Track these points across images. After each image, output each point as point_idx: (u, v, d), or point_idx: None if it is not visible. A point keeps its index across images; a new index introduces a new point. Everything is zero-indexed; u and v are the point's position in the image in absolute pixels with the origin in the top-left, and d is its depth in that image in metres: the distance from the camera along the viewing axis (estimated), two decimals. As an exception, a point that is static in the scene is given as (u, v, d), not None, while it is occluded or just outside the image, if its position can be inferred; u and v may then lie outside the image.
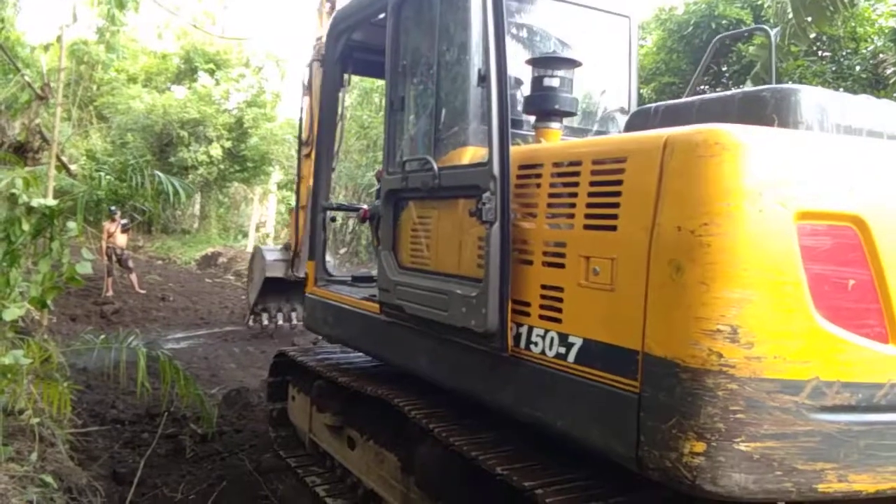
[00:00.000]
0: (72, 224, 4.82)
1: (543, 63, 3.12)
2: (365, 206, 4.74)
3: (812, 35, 11.20)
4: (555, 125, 3.15)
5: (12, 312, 4.11)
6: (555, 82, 3.03)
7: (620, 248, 2.30)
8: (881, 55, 11.70)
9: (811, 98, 2.43)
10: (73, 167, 11.46)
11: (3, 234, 4.23)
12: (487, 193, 2.70)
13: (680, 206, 2.13)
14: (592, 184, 2.45)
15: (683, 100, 2.96)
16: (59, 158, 7.50)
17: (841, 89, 11.10)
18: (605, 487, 2.54)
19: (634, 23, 4.23)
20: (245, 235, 27.72)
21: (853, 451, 2.10)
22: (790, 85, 2.49)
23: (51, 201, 4.53)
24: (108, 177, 7.50)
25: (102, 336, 5.62)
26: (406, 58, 3.64)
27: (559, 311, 2.54)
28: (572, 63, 3.11)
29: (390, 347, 3.78)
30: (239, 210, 30.77)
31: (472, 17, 3.13)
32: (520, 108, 3.40)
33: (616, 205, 2.33)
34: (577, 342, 2.45)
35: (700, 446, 2.04)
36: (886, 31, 11.71)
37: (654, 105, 2.99)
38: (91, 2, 10.72)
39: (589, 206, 2.45)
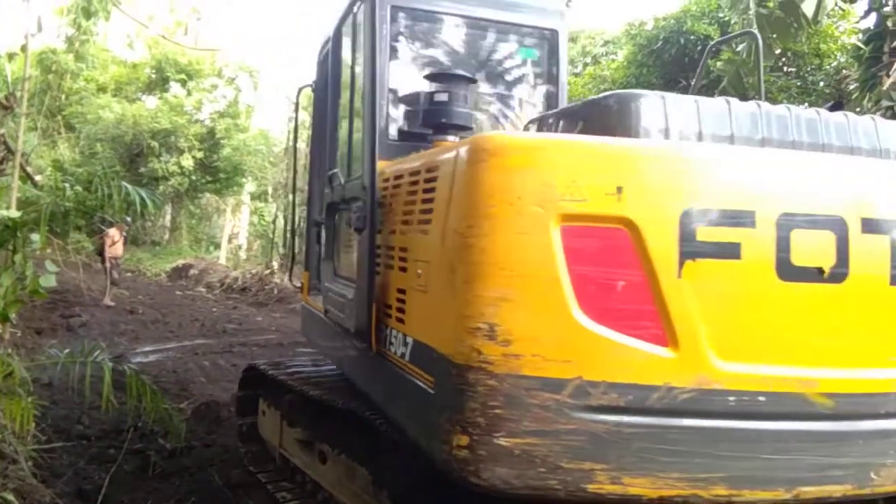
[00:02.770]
0: (35, 236, 4.72)
1: (435, 79, 3.25)
2: None
3: (777, 51, 11.49)
4: (450, 138, 3.25)
5: (-27, 326, 4.01)
6: (444, 97, 3.13)
7: (431, 252, 2.43)
8: (844, 71, 12.04)
9: (652, 105, 2.43)
10: (38, 178, 11.25)
11: (-36, 247, 4.14)
12: (359, 203, 2.92)
13: (458, 210, 2.24)
14: (424, 191, 2.59)
15: (566, 106, 3.06)
16: (23, 169, 7.36)
17: (806, 104, 11.38)
18: None
19: (563, 35, 4.28)
20: (217, 247, 27.44)
21: (626, 454, 2.08)
22: (633, 91, 2.51)
23: (14, 213, 4.45)
24: (75, 188, 7.37)
25: (67, 350, 5.50)
26: (338, 79, 3.94)
27: (404, 312, 2.69)
28: (464, 79, 3.23)
29: (334, 351, 4.01)
30: (211, 221, 30.47)
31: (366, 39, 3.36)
32: None
33: (430, 210, 2.47)
34: (411, 342, 2.58)
35: (464, 440, 2.09)
36: (849, 47, 12.05)
37: (552, 112, 3.07)
38: (60, 11, 10.58)
39: (420, 212, 2.61)
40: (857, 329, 2.24)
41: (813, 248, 2.19)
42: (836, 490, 2.19)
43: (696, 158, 2.26)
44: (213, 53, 26.45)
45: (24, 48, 6.77)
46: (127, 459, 5.33)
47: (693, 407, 2.11)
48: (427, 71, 3.82)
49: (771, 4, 10.95)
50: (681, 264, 2.11)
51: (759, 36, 4.40)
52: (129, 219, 13.74)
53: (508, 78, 4.65)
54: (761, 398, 2.13)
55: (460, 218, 2.21)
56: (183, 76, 26.74)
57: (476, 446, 2.07)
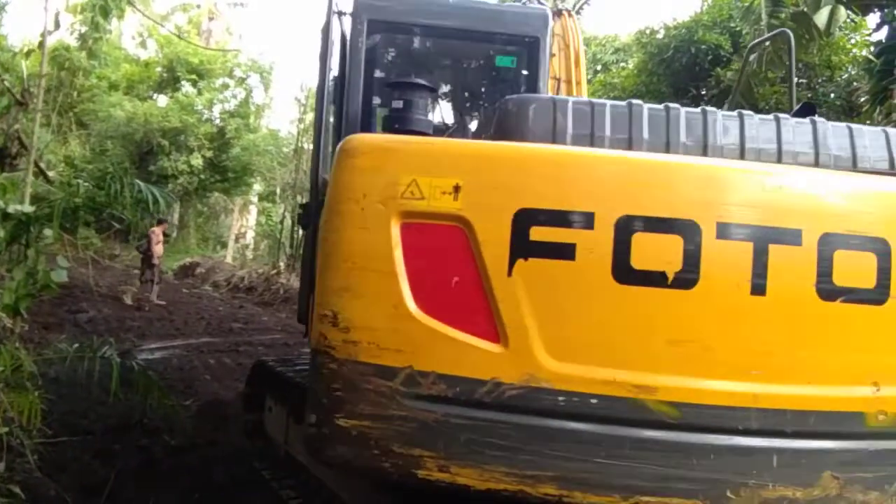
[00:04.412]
0: (48, 231, 4.77)
1: (394, 87, 3.35)
2: None
3: (788, 62, 11.46)
4: None
5: (-16, 319, 4.05)
6: (400, 104, 3.20)
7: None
8: (855, 83, 12.01)
9: (542, 109, 2.46)
10: (50, 174, 11.33)
11: (-23, 240, 4.18)
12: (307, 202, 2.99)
13: (325, 206, 2.39)
14: None
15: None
16: (37, 165, 7.42)
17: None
18: None
19: (545, 42, 4.30)
20: (224, 246, 27.52)
21: (454, 444, 2.14)
22: (528, 95, 2.59)
23: (27, 208, 4.50)
24: (85, 184, 7.41)
25: (75, 345, 5.54)
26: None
27: None
28: (422, 87, 3.28)
29: None
30: (218, 221, 30.56)
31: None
32: None
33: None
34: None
35: (313, 418, 2.23)
36: (860, 60, 12.02)
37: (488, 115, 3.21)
38: (74, 8, 10.66)
39: None
40: (711, 338, 2.16)
41: (657, 252, 2.15)
42: None
43: (533, 159, 2.28)
44: (225, 53, 26.59)
45: (41, 45, 6.83)
46: (132, 456, 5.35)
47: (521, 403, 2.14)
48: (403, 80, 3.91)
49: (783, 16, 10.95)
50: (511, 263, 2.16)
51: (791, 36, 4.34)
52: (164, 216, 14.10)
53: (485, 85, 4.71)
54: (593, 400, 2.13)
55: (323, 213, 2.38)
56: (194, 76, 26.84)
57: (321, 425, 2.21)
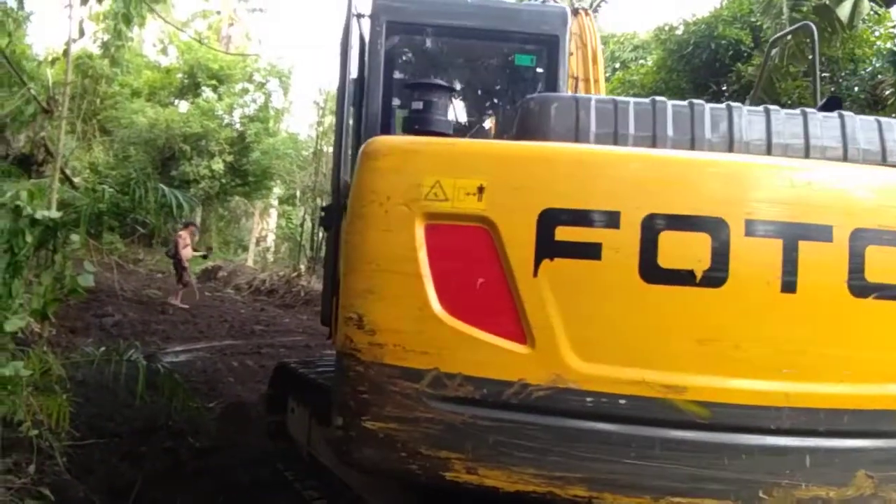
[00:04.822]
0: (75, 237, 4.83)
1: (413, 88, 3.35)
2: None
3: (810, 56, 11.30)
4: None
5: (13, 324, 4.12)
6: (419, 105, 3.20)
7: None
8: (879, 76, 11.80)
9: (564, 107, 2.44)
10: (76, 180, 11.51)
11: (6, 246, 4.24)
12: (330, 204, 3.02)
13: (348, 209, 2.39)
14: None
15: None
16: (62, 171, 7.53)
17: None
18: None
19: (564, 40, 4.28)
20: (245, 249, 27.75)
21: (481, 446, 2.12)
22: (551, 94, 2.53)
23: (54, 213, 4.55)
24: (110, 190, 7.52)
25: (102, 349, 5.61)
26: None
27: None
28: (440, 88, 3.29)
29: None
30: (239, 224, 30.83)
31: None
32: None
33: None
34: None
35: (339, 421, 2.24)
36: (885, 52, 11.81)
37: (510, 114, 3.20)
38: (97, 16, 10.80)
39: None
40: (741, 336, 2.12)
41: (685, 250, 2.12)
42: None
43: (557, 158, 2.27)
44: (245, 58, 26.81)
45: (65, 53, 6.93)
46: (158, 457, 5.40)
47: (548, 405, 2.12)
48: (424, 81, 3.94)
49: (805, 9, 10.80)
50: (537, 263, 2.14)
51: (814, 29, 4.27)
52: (191, 219, 14.20)
53: (504, 85, 4.69)
54: (622, 401, 2.10)
55: (346, 216, 2.39)
56: (214, 81, 27.10)
57: (348, 427, 2.22)
